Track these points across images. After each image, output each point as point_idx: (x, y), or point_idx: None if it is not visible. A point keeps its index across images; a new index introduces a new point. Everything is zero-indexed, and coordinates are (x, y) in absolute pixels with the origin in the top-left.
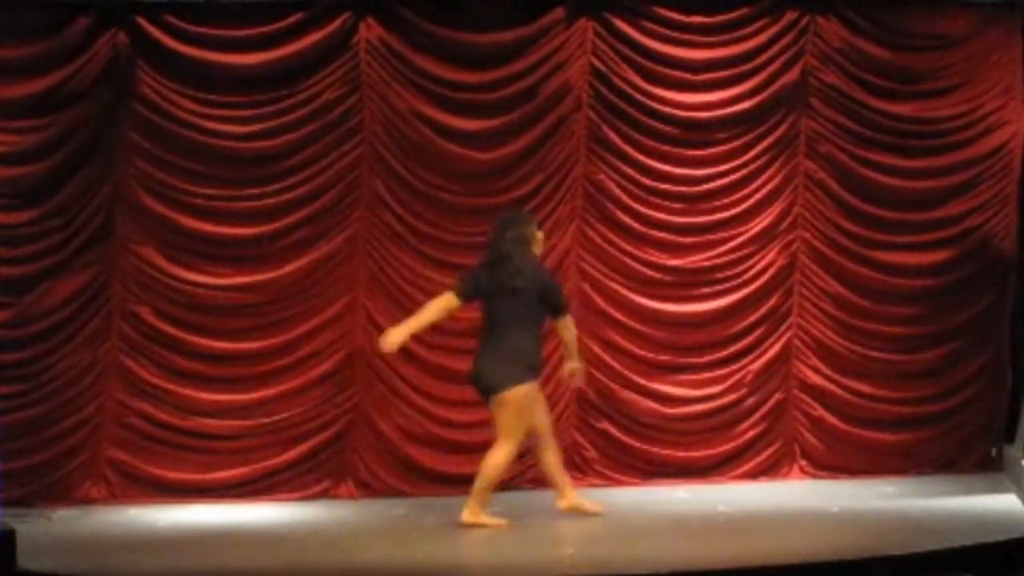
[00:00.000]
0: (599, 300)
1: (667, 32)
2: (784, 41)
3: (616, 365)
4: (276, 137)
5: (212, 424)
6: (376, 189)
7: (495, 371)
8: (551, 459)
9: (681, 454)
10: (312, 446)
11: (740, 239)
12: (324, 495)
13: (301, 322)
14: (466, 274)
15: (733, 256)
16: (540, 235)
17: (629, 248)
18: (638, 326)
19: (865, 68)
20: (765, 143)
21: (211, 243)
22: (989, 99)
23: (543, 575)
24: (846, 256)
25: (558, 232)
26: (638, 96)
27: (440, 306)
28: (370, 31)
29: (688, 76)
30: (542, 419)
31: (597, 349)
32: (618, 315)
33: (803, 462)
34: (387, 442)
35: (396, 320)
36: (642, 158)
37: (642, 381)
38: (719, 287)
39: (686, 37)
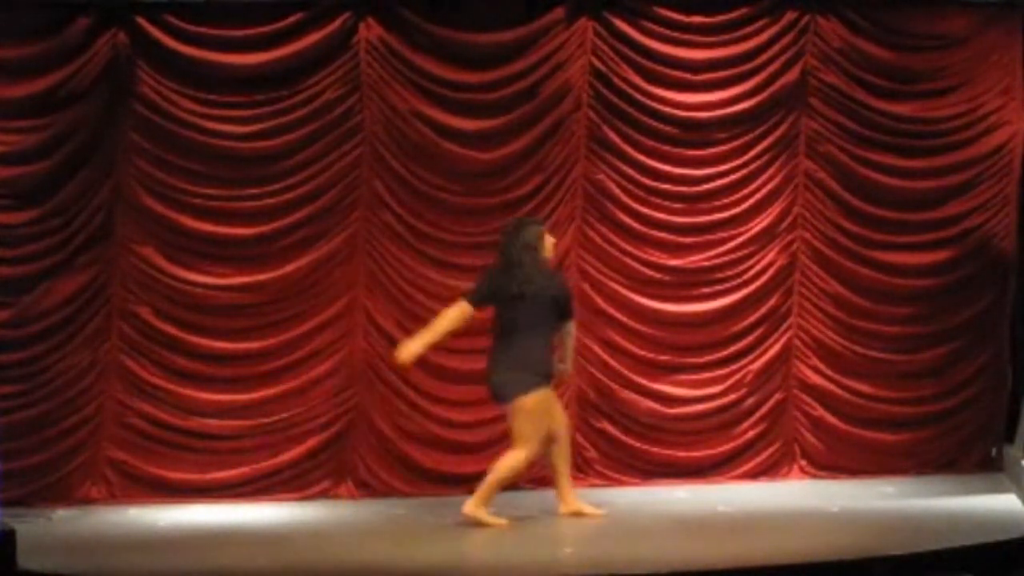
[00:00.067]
0: (599, 300)
1: (667, 32)
2: (784, 41)
3: (616, 365)
4: (276, 137)
5: (212, 424)
6: (376, 189)
7: (506, 379)
8: (559, 462)
9: (681, 454)
10: (312, 446)
11: (740, 239)
12: (324, 495)
13: (301, 322)
14: (478, 281)
15: (733, 256)
16: (550, 240)
17: (629, 248)
18: (638, 326)
19: (865, 68)
20: (765, 143)
21: (211, 243)
22: (989, 99)
23: (543, 575)
24: (846, 256)
25: (558, 232)
26: (638, 96)
27: (454, 315)
28: (370, 31)
29: (688, 76)
30: (558, 423)
31: (597, 349)
32: (618, 315)
33: (803, 462)
34: (387, 442)
35: (396, 320)
36: (642, 158)
37: (642, 381)
38: (719, 287)
39: (686, 37)
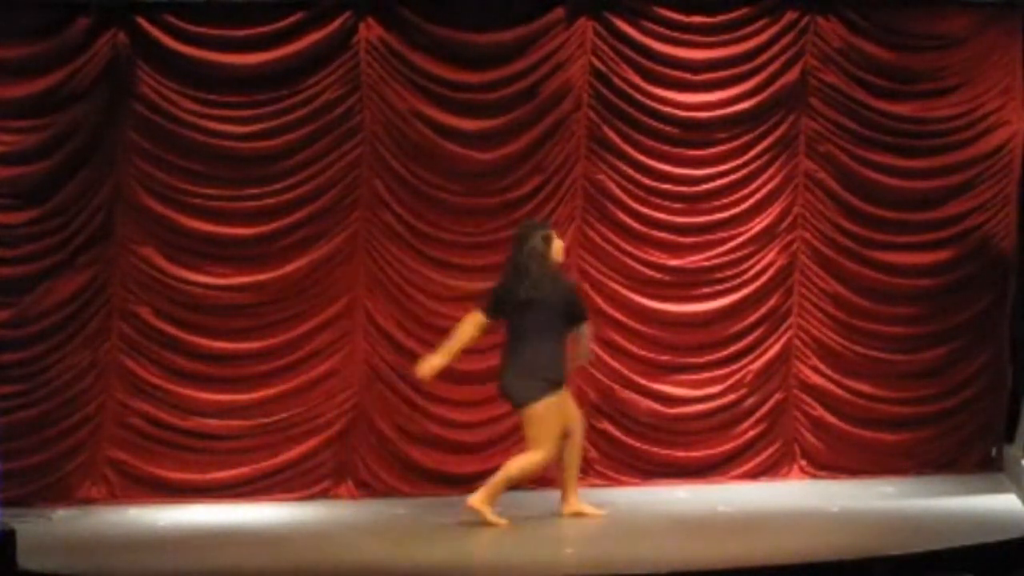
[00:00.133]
0: (599, 300)
1: (667, 32)
2: (784, 41)
3: (616, 365)
4: (276, 137)
5: (212, 424)
6: (376, 189)
7: (515, 386)
8: (569, 461)
9: (681, 454)
10: (312, 446)
11: (740, 239)
12: (324, 495)
13: (301, 322)
14: (490, 290)
15: (733, 256)
16: (559, 244)
17: (629, 248)
18: (638, 326)
19: (865, 68)
20: (765, 143)
21: (211, 243)
22: (989, 99)
23: (543, 575)
24: (846, 256)
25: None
26: (638, 96)
27: (470, 326)
28: (370, 31)
29: (688, 76)
30: (572, 421)
31: (597, 349)
32: (618, 315)
33: (803, 462)
34: (387, 442)
35: (396, 320)
36: (642, 158)
37: (642, 381)
38: (719, 287)
39: (686, 37)
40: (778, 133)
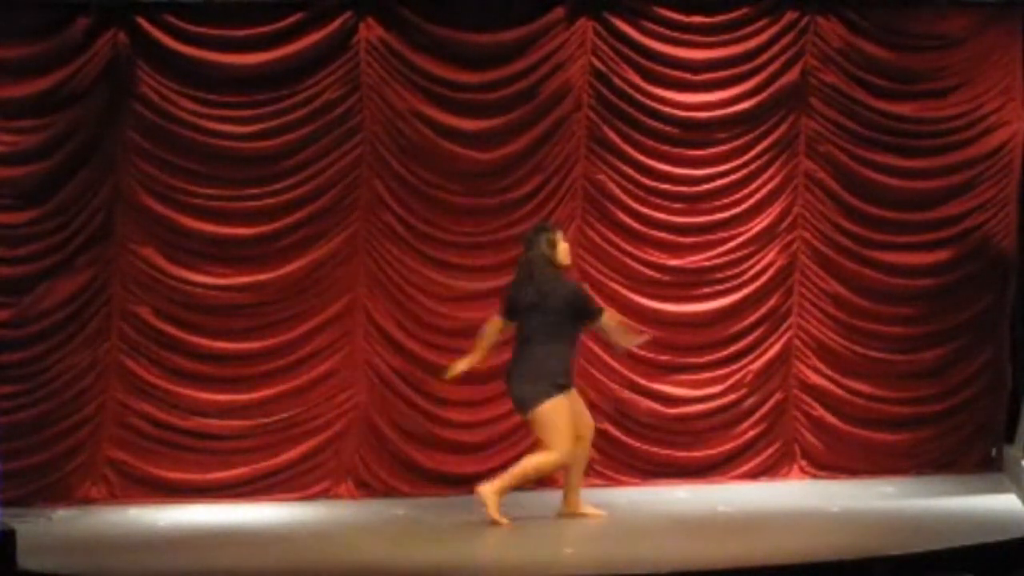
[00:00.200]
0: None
1: (667, 32)
2: (784, 41)
3: (616, 365)
4: (276, 137)
5: (212, 424)
6: (376, 189)
7: (520, 390)
8: (573, 465)
9: (681, 454)
10: (312, 446)
11: (740, 239)
12: (324, 495)
13: (301, 322)
14: (506, 293)
15: (733, 256)
16: (564, 246)
17: (629, 248)
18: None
19: (865, 68)
20: (765, 143)
21: (211, 243)
22: (989, 99)
23: (543, 575)
24: (846, 256)
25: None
26: (638, 96)
27: (490, 330)
28: (370, 31)
29: (688, 76)
30: (582, 424)
31: (597, 349)
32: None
33: (803, 462)
34: (387, 442)
35: (396, 320)
36: (642, 158)
37: (642, 381)
38: (719, 287)
39: (686, 37)
40: (778, 133)
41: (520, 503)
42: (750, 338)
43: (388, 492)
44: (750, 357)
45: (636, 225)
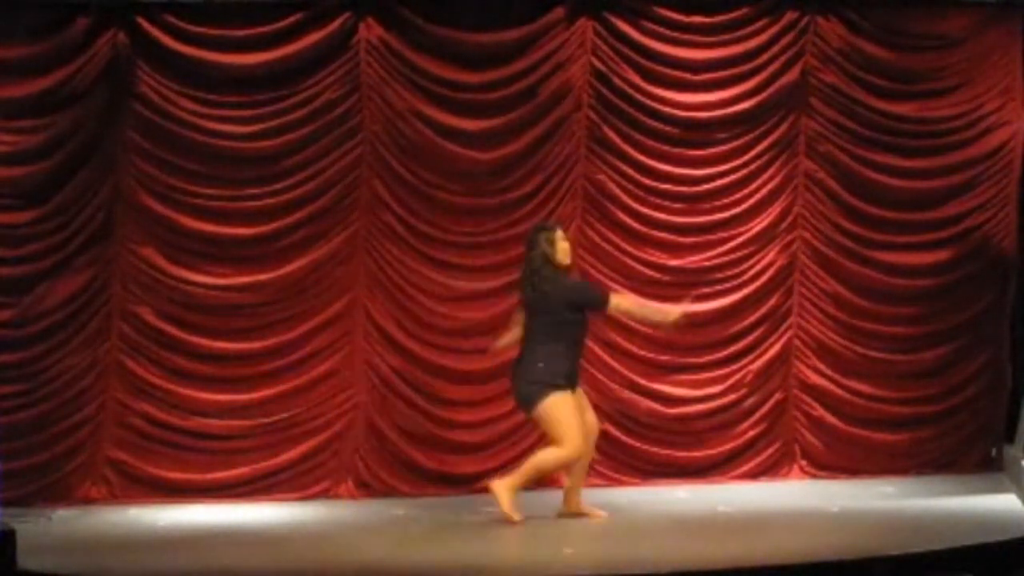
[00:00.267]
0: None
1: (667, 32)
2: (784, 41)
3: (616, 365)
4: (276, 137)
5: (212, 424)
6: (376, 189)
7: (520, 388)
8: (575, 465)
9: (681, 454)
10: (312, 446)
11: (740, 239)
12: (324, 495)
13: (301, 322)
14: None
15: (733, 256)
16: (563, 244)
17: (629, 248)
18: (638, 326)
19: (865, 68)
20: (765, 143)
21: (211, 243)
22: (989, 99)
23: (543, 574)
24: (846, 256)
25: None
26: (638, 96)
27: (514, 321)
28: (370, 31)
29: (688, 76)
30: (587, 425)
31: (597, 349)
32: (618, 315)
33: (803, 462)
34: (387, 442)
35: (396, 320)
36: (642, 158)
37: (642, 381)
38: (719, 287)
39: (686, 37)
40: (778, 133)
41: (520, 503)
42: (750, 338)
43: (388, 492)
44: (750, 357)
45: (636, 225)
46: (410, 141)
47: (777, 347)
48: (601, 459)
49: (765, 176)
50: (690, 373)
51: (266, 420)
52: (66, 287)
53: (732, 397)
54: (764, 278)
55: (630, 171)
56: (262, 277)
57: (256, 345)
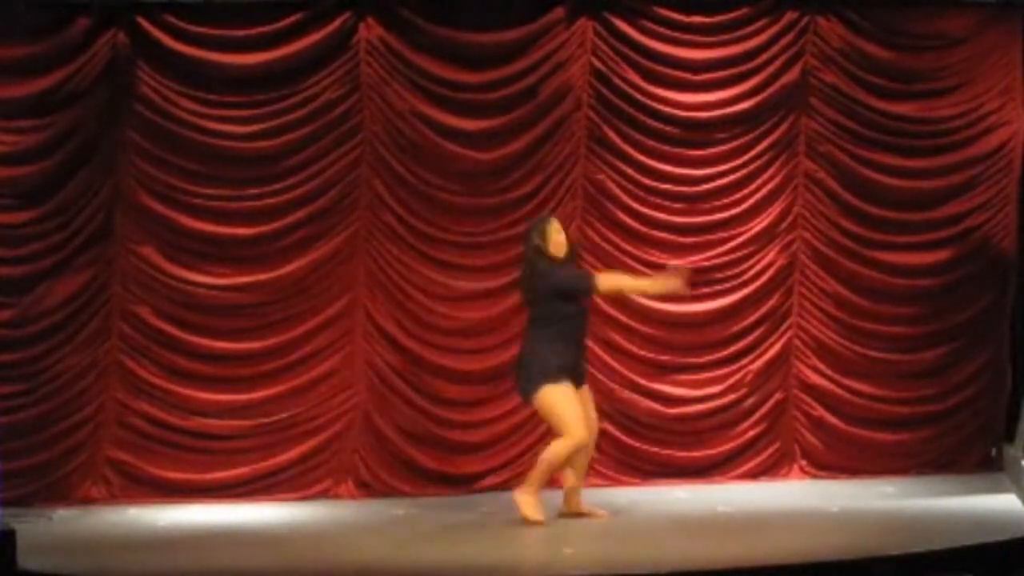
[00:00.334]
0: (599, 300)
1: (667, 32)
2: (784, 41)
3: (616, 365)
4: (276, 137)
5: (212, 424)
6: (376, 189)
7: (519, 382)
8: (576, 464)
9: (681, 454)
10: (312, 446)
11: (740, 239)
12: (324, 495)
13: (301, 322)
14: None
15: (733, 256)
16: (557, 239)
17: (629, 248)
18: (638, 326)
19: (865, 68)
20: (765, 143)
21: (211, 243)
22: (989, 99)
23: (543, 574)
24: (846, 256)
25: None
26: (638, 96)
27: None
28: (370, 31)
29: (688, 76)
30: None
31: (597, 349)
32: (618, 315)
33: (803, 462)
34: (387, 442)
35: (396, 320)
36: (642, 158)
37: (642, 381)
38: (719, 287)
39: (686, 37)
40: (778, 133)
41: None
42: (750, 338)
43: (388, 492)
44: (750, 357)
45: (636, 225)
46: (410, 141)
47: (777, 347)
48: (601, 459)
49: (765, 176)
50: (690, 373)
51: (266, 420)
52: (66, 287)
53: (732, 397)
54: (764, 278)
55: (630, 171)
56: (262, 277)
57: (256, 345)
